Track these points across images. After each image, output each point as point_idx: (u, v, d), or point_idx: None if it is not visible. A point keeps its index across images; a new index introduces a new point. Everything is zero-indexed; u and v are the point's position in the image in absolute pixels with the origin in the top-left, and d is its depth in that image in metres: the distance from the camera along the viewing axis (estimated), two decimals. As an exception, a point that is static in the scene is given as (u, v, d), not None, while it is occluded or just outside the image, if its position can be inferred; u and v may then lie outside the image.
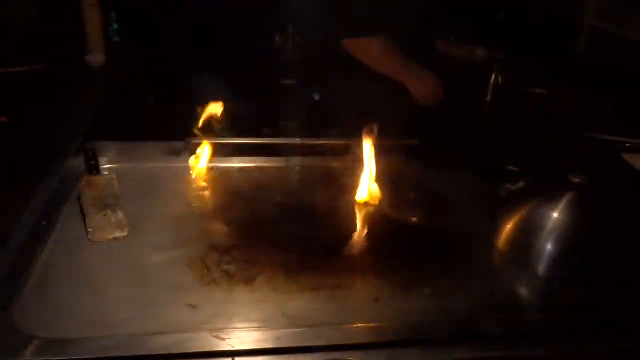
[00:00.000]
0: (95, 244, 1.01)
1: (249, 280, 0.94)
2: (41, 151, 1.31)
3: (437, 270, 1.00)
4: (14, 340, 0.78)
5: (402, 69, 1.60)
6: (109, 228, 1.04)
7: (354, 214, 1.17)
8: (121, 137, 1.43)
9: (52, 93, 1.71)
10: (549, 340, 0.86)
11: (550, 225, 1.02)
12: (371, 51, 1.56)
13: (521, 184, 1.22)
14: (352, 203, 1.21)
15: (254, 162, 1.32)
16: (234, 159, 1.33)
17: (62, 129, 1.44)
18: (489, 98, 1.85)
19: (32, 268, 0.93)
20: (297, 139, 1.42)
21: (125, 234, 1.04)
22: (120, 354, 0.77)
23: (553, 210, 1.03)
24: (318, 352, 0.80)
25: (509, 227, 1.09)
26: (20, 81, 1.74)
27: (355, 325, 0.85)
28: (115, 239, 1.03)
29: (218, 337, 0.81)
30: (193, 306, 0.88)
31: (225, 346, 0.79)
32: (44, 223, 1.04)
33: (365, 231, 1.12)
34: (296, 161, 1.34)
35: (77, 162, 1.23)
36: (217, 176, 1.27)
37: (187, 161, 1.31)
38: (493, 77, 1.84)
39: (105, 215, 1.05)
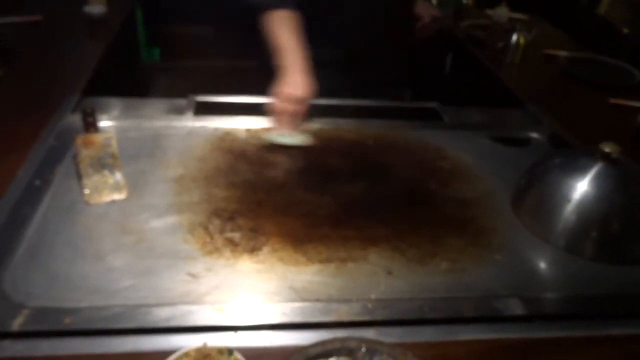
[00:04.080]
0: (91, 207, 0.95)
1: (253, 250, 0.88)
2: (38, 106, 1.24)
3: (455, 243, 0.94)
4: (2, 309, 0.73)
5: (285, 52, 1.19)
6: (107, 190, 0.98)
7: (368, 180, 1.10)
8: (121, 93, 1.36)
9: (50, 45, 1.62)
10: (573, 322, 0.81)
11: (577, 197, 0.95)
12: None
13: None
14: (367, 168, 1.14)
15: (262, 123, 1.25)
16: (240, 118, 1.26)
17: (59, 83, 1.37)
18: (508, 60, 1.75)
19: (24, 231, 0.88)
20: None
21: (124, 196, 0.98)
22: (117, 326, 0.73)
23: (580, 181, 0.95)
24: (326, 328, 0.75)
25: (532, 197, 1.02)
26: (17, 32, 1.65)
27: (366, 300, 0.79)
28: (113, 201, 0.97)
29: (220, 310, 0.76)
30: (194, 276, 0.82)
31: (227, 320, 0.74)
32: (37, 183, 0.99)
33: (380, 200, 1.05)
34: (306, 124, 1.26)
35: (75, 119, 1.17)
36: (222, 136, 1.19)
37: (190, 120, 1.24)
38: (514, 38, 1.74)
39: (102, 177, 0.99)
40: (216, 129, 1.22)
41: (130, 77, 2.33)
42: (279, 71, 1.18)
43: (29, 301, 0.75)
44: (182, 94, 1.35)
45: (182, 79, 2.92)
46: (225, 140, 1.18)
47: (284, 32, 1.22)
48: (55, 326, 0.72)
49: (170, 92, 1.36)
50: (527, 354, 0.77)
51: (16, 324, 0.71)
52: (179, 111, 1.28)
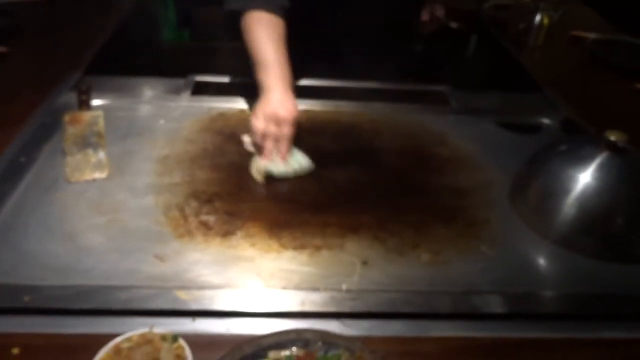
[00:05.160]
0: (71, 185, 0.94)
1: (226, 234, 0.85)
2: (39, 83, 1.24)
3: (441, 234, 0.89)
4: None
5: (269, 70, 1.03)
6: (88, 169, 0.97)
7: (359, 166, 1.05)
8: (137, 73, 1.34)
9: (61, 23, 1.63)
10: (559, 323, 0.75)
11: (578, 189, 0.88)
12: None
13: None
14: (359, 153, 1.09)
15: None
16: (237, 99, 1.23)
17: (64, 61, 1.37)
18: (531, 42, 1.66)
19: (1, 207, 0.87)
20: (304, 81, 1.30)
21: (104, 175, 0.97)
22: (74, 306, 0.71)
23: (582, 172, 0.88)
24: (289, 318, 0.72)
25: (530, 188, 0.96)
26: (29, 10, 1.66)
27: (334, 291, 0.75)
28: (94, 180, 0.96)
29: (181, 295, 0.73)
30: (161, 259, 0.80)
31: (187, 305, 0.72)
32: (22, 160, 0.98)
33: (368, 186, 1.00)
34: (301, 105, 1.22)
35: (72, 97, 1.16)
36: (215, 117, 1.17)
37: (186, 100, 1.22)
38: (537, 18, 1.64)
39: (85, 155, 0.98)
40: (210, 109, 1.19)
41: (147, 58, 2.32)
42: (259, 88, 1.04)
43: (-7, 277, 0.75)
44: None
45: (207, 60, 2.90)
46: (217, 121, 1.16)
47: (265, 42, 1.04)
48: (13, 304, 0.71)
49: (190, 73, 1.33)
50: (504, 354, 0.71)
51: (-27, 300, 0.71)
52: (176, 91, 1.26)
